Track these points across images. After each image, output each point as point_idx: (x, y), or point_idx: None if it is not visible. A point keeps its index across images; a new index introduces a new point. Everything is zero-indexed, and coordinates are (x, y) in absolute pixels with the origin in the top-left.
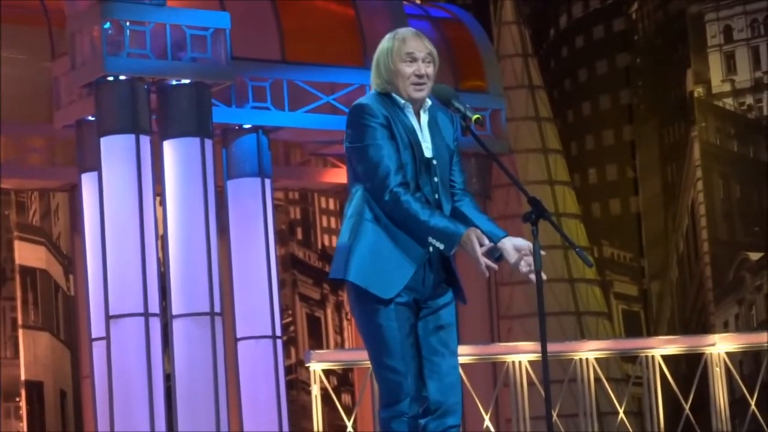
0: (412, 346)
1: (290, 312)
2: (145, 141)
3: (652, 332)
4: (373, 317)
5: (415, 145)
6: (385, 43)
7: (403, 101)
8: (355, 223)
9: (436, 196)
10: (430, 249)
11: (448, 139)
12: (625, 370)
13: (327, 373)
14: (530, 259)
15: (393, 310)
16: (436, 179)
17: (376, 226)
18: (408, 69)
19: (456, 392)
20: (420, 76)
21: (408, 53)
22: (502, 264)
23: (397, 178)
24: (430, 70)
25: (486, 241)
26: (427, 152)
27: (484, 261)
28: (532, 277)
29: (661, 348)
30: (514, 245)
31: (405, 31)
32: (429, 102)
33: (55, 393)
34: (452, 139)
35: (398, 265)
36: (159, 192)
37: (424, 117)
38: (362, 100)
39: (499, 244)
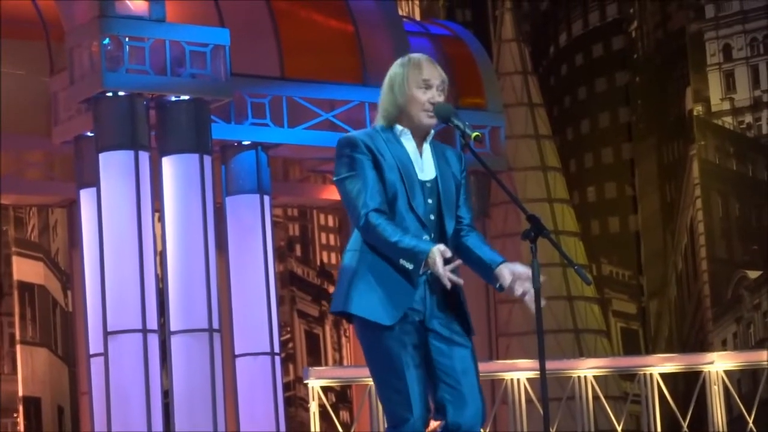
0: (417, 367)
1: (289, 329)
2: (144, 157)
3: (651, 350)
4: (377, 343)
5: (402, 166)
6: (398, 67)
7: (400, 129)
8: (355, 255)
9: (432, 217)
10: (428, 271)
11: (455, 170)
12: (624, 388)
13: (325, 389)
14: (526, 284)
15: (397, 332)
16: (431, 201)
17: (374, 256)
18: (422, 96)
19: (477, 417)
20: (434, 104)
21: (424, 80)
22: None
23: (372, 202)
24: (441, 98)
25: (449, 254)
26: (421, 174)
27: (447, 275)
28: (526, 299)
29: (660, 366)
30: (509, 269)
31: (419, 57)
32: (433, 132)
33: (53, 409)
34: (459, 173)
35: (397, 291)
36: (158, 208)
37: (427, 146)
38: (347, 134)
39: (496, 270)
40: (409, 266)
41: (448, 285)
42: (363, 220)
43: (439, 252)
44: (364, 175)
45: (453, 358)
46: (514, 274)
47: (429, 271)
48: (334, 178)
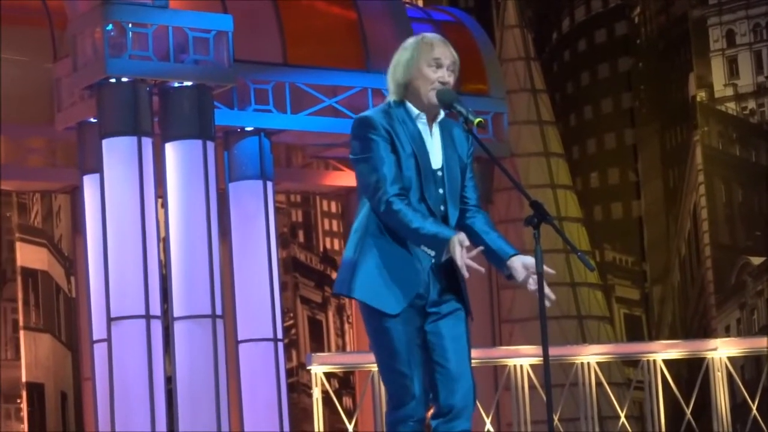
0: (418, 350)
1: (291, 315)
2: (147, 143)
3: (654, 336)
4: (380, 325)
5: (420, 155)
6: (410, 44)
7: (416, 112)
8: (361, 237)
9: (442, 208)
10: (433, 260)
11: (462, 152)
12: (627, 374)
13: (328, 376)
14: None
15: (401, 317)
16: (441, 191)
17: (381, 240)
18: (433, 74)
19: (467, 398)
20: (444, 83)
21: (435, 58)
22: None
23: (393, 188)
24: (452, 79)
25: (467, 243)
26: (434, 163)
27: (465, 264)
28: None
29: (663, 352)
30: (523, 263)
31: (432, 37)
32: (442, 114)
33: (56, 395)
34: (466, 154)
35: (403, 279)
36: (161, 194)
37: (436, 129)
38: (365, 112)
39: (509, 262)
40: (431, 253)
41: (466, 274)
42: (385, 205)
43: (458, 241)
44: (381, 158)
45: (446, 337)
46: (527, 269)
47: (448, 257)
48: (351, 157)
